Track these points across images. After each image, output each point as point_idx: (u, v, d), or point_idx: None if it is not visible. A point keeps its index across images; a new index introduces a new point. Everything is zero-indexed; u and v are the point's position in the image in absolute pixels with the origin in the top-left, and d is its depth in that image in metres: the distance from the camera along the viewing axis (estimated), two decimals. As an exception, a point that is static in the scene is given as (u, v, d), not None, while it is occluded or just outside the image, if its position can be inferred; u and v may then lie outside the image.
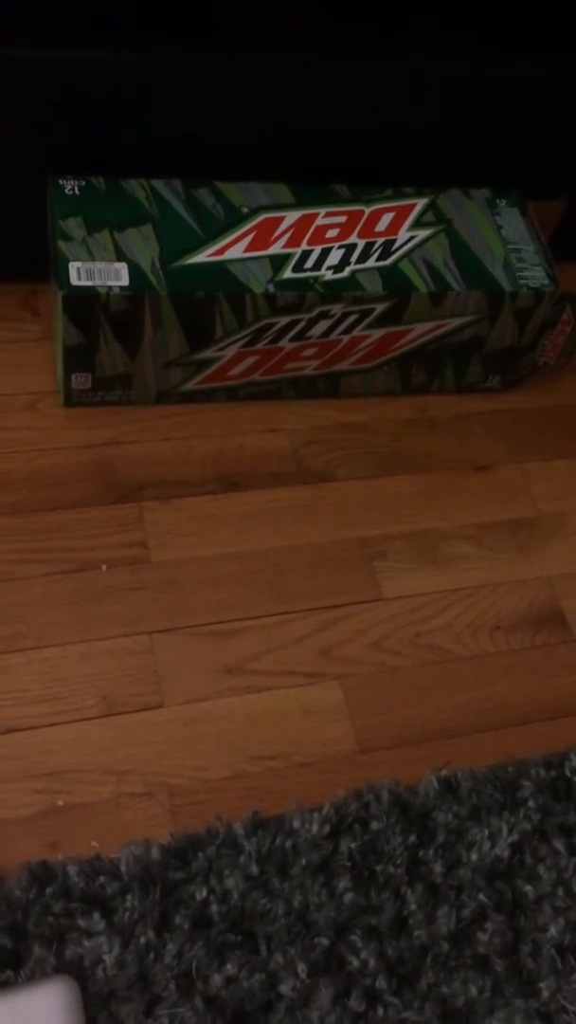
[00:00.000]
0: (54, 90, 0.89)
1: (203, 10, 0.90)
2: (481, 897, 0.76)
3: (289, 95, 0.95)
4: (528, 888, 0.77)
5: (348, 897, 0.74)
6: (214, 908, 0.72)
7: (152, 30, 0.90)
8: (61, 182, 0.94)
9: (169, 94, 0.92)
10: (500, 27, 0.96)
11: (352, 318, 0.96)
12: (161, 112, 0.93)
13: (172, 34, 0.90)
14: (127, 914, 0.71)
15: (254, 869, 0.74)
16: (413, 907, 0.75)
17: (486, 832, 0.79)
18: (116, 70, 0.90)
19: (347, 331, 0.97)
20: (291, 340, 0.96)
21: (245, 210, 0.96)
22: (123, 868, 0.72)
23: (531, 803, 0.81)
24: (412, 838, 0.78)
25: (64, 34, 0.87)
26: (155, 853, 0.73)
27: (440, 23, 0.95)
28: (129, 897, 0.71)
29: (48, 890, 0.70)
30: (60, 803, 0.77)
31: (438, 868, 0.77)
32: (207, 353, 0.96)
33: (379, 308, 0.95)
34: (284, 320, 0.94)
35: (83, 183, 0.94)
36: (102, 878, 0.72)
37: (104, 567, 0.89)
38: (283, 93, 0.95)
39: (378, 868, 0.76)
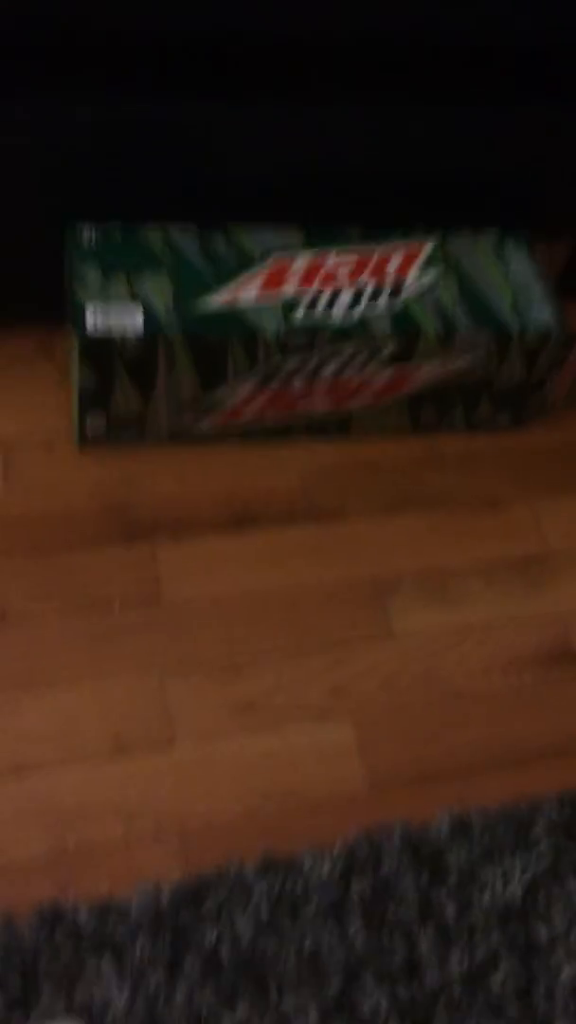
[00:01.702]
0: (72, 141, 0.92)
1: (216, 63, 0.92)
2: (494, 939, 0.75)
3: (300, 142, 0.97)
4: (542, 930, 0.77)
5: (360, 939, 0.74)
6: (224, 951, 0.72)
7: (167, 82, 0.92)
8: (79, 229, 0.96)
9: (183, 143, 0.94)
10: (507, 73, 0.98)
11: (362, 359, 0.97)
12: (175, 161, 0.95)
13: (187, 86, 0.92)
14: (137, 956, 0.70)
15: (265, 912, 0.74)
16: (425, 949, 0.74)
17: (499, 873, 0.79)
18: (132, 121, 0.92)
19: (357, 371, 0.98)
20: (302, 380, 0.98)
21: (257, 254, 0.98)
22: (133, 910, 0.72)
23: (544, 843, 0.81)
24: (424, 879, 0.77)
25: (82, 88, 0.90)
26: (165, 895, 0.73)
27: (448, 69, 0.97)
28: (139, 939, 0.71)
29: (58, 932, 0.71)
30: (71, 843, 0.77)
31: (450, 910, 0.76)
32: (219, 394, 0.97)
33: (389, 348, 0.97)
34: (295, 361, 0.96)
35: (100, 230, 0.96)
36: (113, 921, 0.72)
37: (117, 606, 0.89)
38: (294, 141, 0.97)
39: (390, 910, 0.76)
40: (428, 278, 1.00)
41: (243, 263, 0.97)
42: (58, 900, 0.72)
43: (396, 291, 0.98)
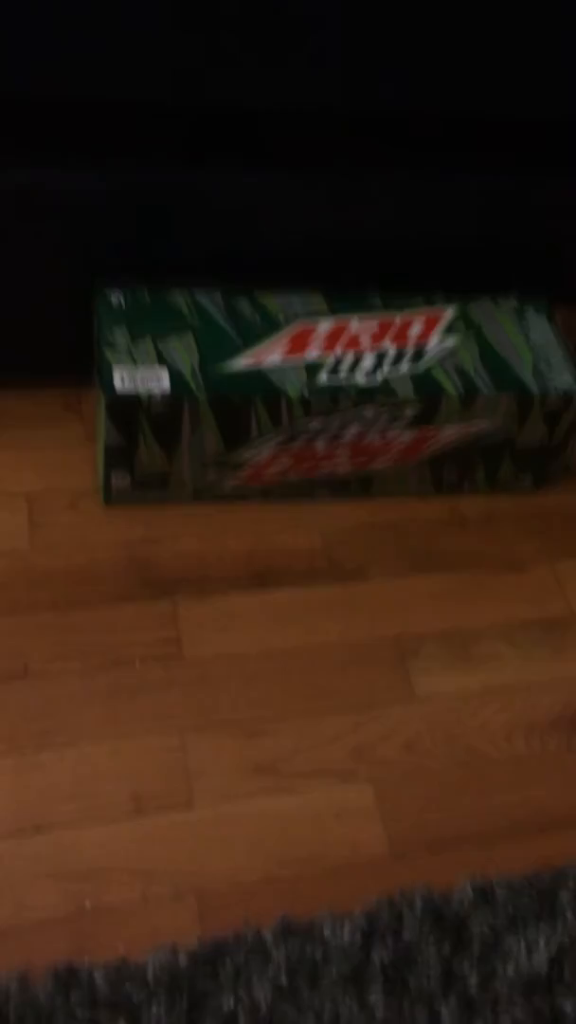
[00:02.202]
0: (103, 206, 0.95)
1: (245, 133, 0.96)
2: (518, 1013, 0.73)
3: (324, 210, 1.00)
4: (567, 1004, 0.74)
5: (380, 1010, 0.72)
6: (242, 1017, 0.70)
7: (196, 151, 0.96)
8: (108, 293, 0.98)
9: (210, 210, 0.97)
10: (527, 145, 1.01)
11: (384, 420, 0.98)
12: (203, 227, 0.98)
13: (215, 155, 0.96)
14: (153, 1021, 0.69)
15: (283, 978, 0.72)
16: (447, 1021, 0.72)
17: (523, 944, 0.77)
18: (161, 189, 0.95)
19: (379, 433, 0.99)
20: (325, 442, 0.99)
21: (282, 318, 1.00)
22: (150, 974, 0.71)
23: (569, 913, 0.79)
24: (446, 948, 0.76)
25: (114, 155, 0.93)
26: (182, 959, 0.72)
27: (470, 141, 1.00)
28: (155, 1005, 0.70)
29: (73, 995, 0.69)
30: (88, 904, 0.76)
31: (473, 981, 0.74)
32: (243, 454, 0.99)
33: (410, 411, 0.98)
34: (318, 423, 0.97)
35: (128, 294, 0.99)
36: (128, 984, 0.70)
37: (138, 663, 0.90)
38: (319, 209, 1.00)
39: (411, 979, 0.74)
40: (450, 342, 1.01)
41: (268, 326, 0.99)
42: (73, 961, 0.71)
43: (418, 355, 1.00)
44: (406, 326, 1.02)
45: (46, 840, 0.78)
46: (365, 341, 1.00)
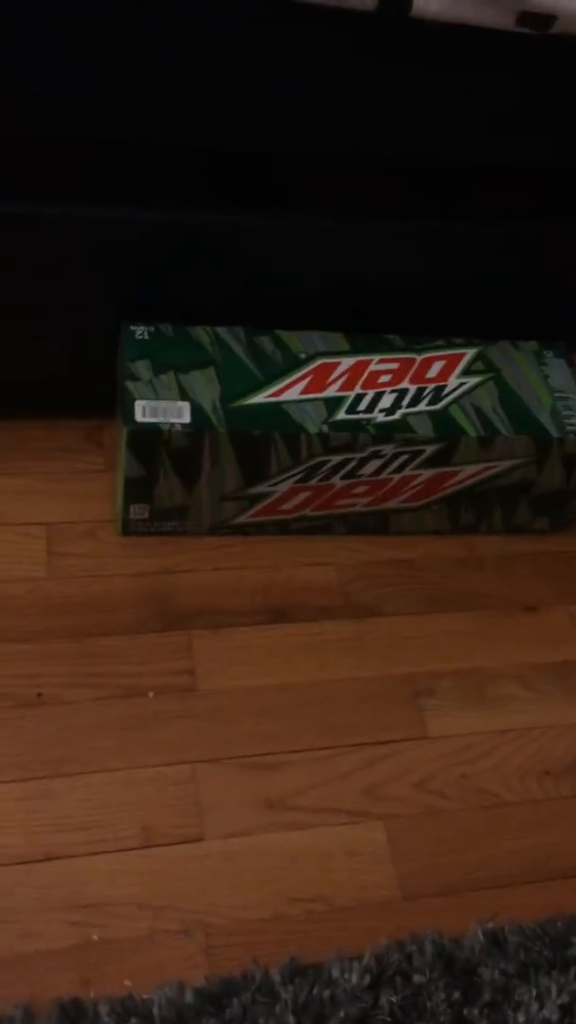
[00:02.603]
0: (128, 245, 0.97)
1: (269, 176, 0.98)
2: (529, 1064, 0.72)
3: (347, 254, 1.01)
4: (580, 1057, 0.73)
5: (388, 1056, 0.71)
6: (247, 1060, 0.69)
7: (222, 193, 0.98)
8: (132, 328, 1.00)
9: (234, 251, 0.99)
10: (545, 191, 1.03)
11: (402, 459, 0.99)
12: (227, 266, 1.00)
13: (240, 196, 0.98)
14: (157, 1061, 0.68)
15: (290, 1019, 0.71)
16: (457, 1071, 0.71)
17: (534, 992, 0.75)
18: (188, 228, 0.97)
19: (397, 471, 1.00)
20: (343, 478, 1.00)
21: (303, 356, 1.01)
22: (155, 1010, 0.70)
23: (582, 963, 0.77)
24: (456, 995, 0.74)
25: (140, 194, 0.95)
26: (189, 996, 0.71)
27: (490, 187, 1.02)
28: (160, 1042, 0.69)
29: (78, 1029, 0.68)
30: (95, 937, 0.75)
31: (484, 1029, 0.73)
32: (261, 488, 0.99)
33: (429, 450, 0.98)
34: (336, 459, 0.98)
35: (152, 329, 1.00)
36: (133, 1020, 0.69)
37: (151, 694, 0.89)
38: (341, 252, 1.01)
39: (420, 1026, 0.73)
40: (469, 384, 1.02)
41: (289, 363, 1.00)
42: (79, 996, 0.70)
43: (437, 395, 1.00)
44: (426, 366, 1.03)
45: (55, 869, 0.78)
46: (385, 380, 1.01)
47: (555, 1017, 0.74)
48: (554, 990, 0.75)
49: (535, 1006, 0.74)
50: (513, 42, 0.87)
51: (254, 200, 0.98)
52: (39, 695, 0.88)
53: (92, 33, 0.83)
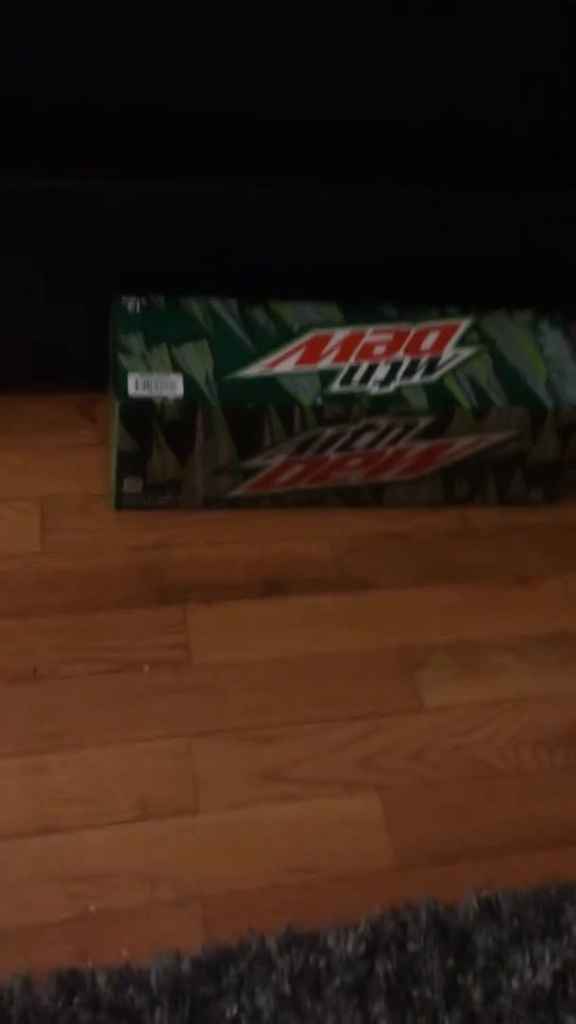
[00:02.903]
0: (120, 216, 0.95)
1: (263, 145, 0.96)
2: (522, 1029, 0.73)
3: (341, 223, 1.00)
4: (571, 1020, 0.74)
5: (383, 1022, 0.72)
6: (244, 1027, 0.70)
7: (214, 162, 0.96)
8: (124, 300, 0.99)
9: (227, 221, 0.98)
10: (541, 159, 1.02)
11: (397, 431, 0.98)
12: (219, 237, 0.99)
13: (233, 167, 0.96)
14: (155, 1029, 0.69)
15: (286, 987, 0.72)
16: (451, 1036, 0.72)
17: (528, 958, 0.76)
18: (177, 200, 0.96)
19: (392, 443, 0.99)
20: (337, 451, 0.99)
21: (296, 327, 1.00)
22: (153, 980, 0.71)
23: (575, 929, 0.78)
24: (451, 961, 0.75)
25: (132, 164, 0.94)
26: (186, 966, 0.72)
27: (485, 156, 1.00)
28: (158, 1011, 0.70)
29: (76, 999, 0.69)
30: (92, 908, 0.76)
31: (477, 995, 0.74)
32: (255, 461, 0.99)
33: (423, 422, 0.98)
34: (331, 431, 0.97)
35: (144, 301, 0.99)
36: (131, 989, 0.70)
37: (147, 668, 0.90)
38: (335, 222, 1.00)
39: (415, 992, 0.74)
40: (463, 354, 1.02)
41: (282, 336, 0.99)
42: (77, 966, 0.71)
43: (432, 366, 1.00)
44: (420, 337, 1.02)
45: (52, 843, 0.78)
46: (379, 351, 1.00)
47: (548, 983, 0.75)
48: (547, 956, 0.76)
49: (529, 972, 0.75)
50: (509, 5, 0.85)
51: (246, 170, 0.97)
52: (34, 670, 0.88)
53: (83, 2, 0.82)
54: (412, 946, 0.75)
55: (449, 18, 0.87)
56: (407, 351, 1.01)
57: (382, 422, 0.97)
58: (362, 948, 0.75)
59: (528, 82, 0.93)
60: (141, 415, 0.93)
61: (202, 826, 0.81)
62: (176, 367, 0.95)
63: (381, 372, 0.98)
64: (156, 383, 0.93)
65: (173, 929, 0.75)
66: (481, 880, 0.81)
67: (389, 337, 1.01)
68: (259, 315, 1.01)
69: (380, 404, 0.96)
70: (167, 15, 0.84)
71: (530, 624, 0.99)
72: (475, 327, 1.04)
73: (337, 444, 0.99)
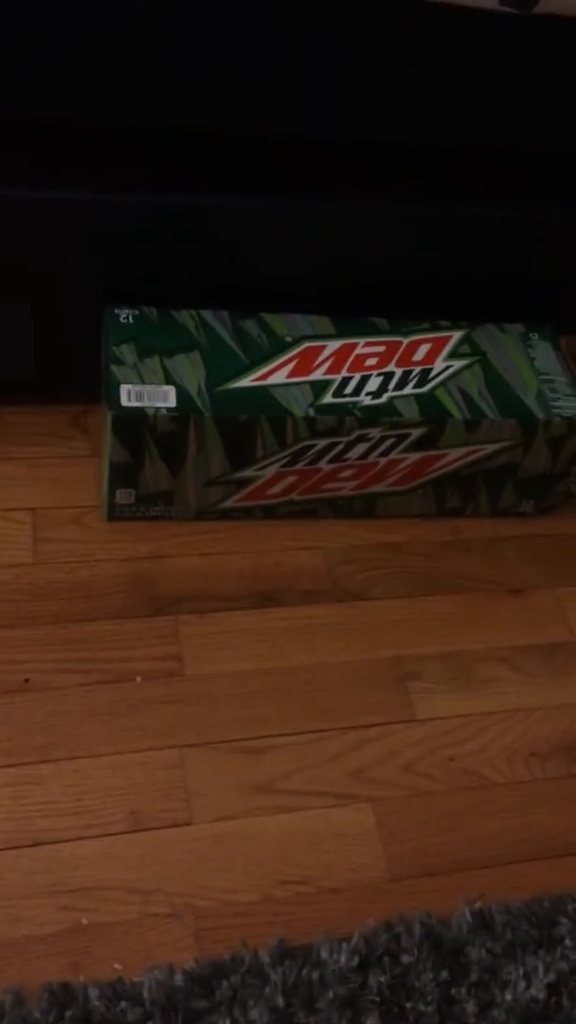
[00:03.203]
0: (113, 228, 0.96)
1: (254, 158, 0.97)
2: (516, 1042, 0.73)
3: (332, 237, 1.01)
4: (566, 1034, 0.74)
5: (377, 1035, 0.71)
6: (237, 1041, 0.70)
7: (207, 176, 0.97)
8: (116, 311, 0.99)
9: (220, 234, 0.98)
10: (532, 174, 1.02)
11: (389, 442, 0.99)
12: (212, 250, 0.99)
13: (226, 180, 0.97)
14: (147, 1043, 0.68)
15: (280, 1001, 0.72)
16: (445, 1049, 0.71)
17: (521, 971, 0.76)
18: (170, 212, 0.96)
19: (384, 454, 1.00)
20: (329, 462, 0.99)
21: (288, 339, 1.01)
22: (145, 993, 0.70)
23: (568, 941, 0.78)
24: (444, 974, 0.75)
25: (125, 176, 0.94)
26: (178, 979, 0.71)
27: (476, 171, 1.01)
28: (150, 1025, 0.69)
29: (68, 1013, 0.68)
30: (84, 921, 0.75)
31: (471, 1008, 0.74)
32: (247, 472, 0.99)
33: (415, 433, 0.98)
34: (323, 443, 0.97)
35: (137, 312, 1.00)
36: (123, 1003, 0.70)
37: (139, 679, 0.89)
38: (327, 236, 1.01)
39: (408, 1005, 0.73)
40: (455, 367, 1.02)
41: (274, 347, 1.00)
42: (69, 980, 0.70)
43: (423, 378, 1.00)
44: (412, 349, 1.03)
45: (43, 855, 0.78)
46: (371, 363, 1.00)
47: (542, 995, 0.75)
48: (540, 969, 0.76)
49: (522, 985, 0.75)
50: (499, 22, 0.86)
51: (239, 183, 0.97)
52: (26, 681, 0.88)
53: (76, 14, 0.82)
54: (405, 958, 0.75)
55: (444, 33, 0.88)
56: (399, 363, 1.01)
57: (374, 433, 0.98)
58: (355, 961, 0.74)
59: (520, 97, 0.94)
60: (133, 426, 0.93)
61: (194, 838, 0.81)
62: (168, 378, 0.95)
63: (373, 384, 0.99)
64: (148, 394, 0.94)
65: (165, 942, 0.75)
66: (474, 892, 0.81)
67: (381, 349, 1.02)
68: (251, 327, 1.01)
69: (372, 415, 0.97)
70: (162, 28, 0.84)
71: (522, 635, 1.00)
72: (467, 339, 1.05)
73: (329, 455, 0.99)
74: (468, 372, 1.02)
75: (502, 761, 0.90)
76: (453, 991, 0.74)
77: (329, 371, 0.99)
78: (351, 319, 1.04)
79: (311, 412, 0.95)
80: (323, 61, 0.88)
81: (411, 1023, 0.72)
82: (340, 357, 1.00)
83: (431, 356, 1.03)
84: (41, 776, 0.82)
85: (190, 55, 0.86)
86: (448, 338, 1.05)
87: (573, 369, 1.05)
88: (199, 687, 0.90)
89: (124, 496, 0.99)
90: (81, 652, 0.90)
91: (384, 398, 0.98)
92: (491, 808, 0.87)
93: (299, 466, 0.99)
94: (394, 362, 1.01)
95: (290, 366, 0.98)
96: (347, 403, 0.97)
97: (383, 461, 1.00)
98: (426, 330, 1.05)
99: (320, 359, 1.00)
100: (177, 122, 0.91)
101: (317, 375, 0.98)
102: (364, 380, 0.99)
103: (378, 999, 0.73)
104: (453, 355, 1.03)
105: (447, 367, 1.02)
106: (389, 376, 1.00)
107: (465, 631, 0.99)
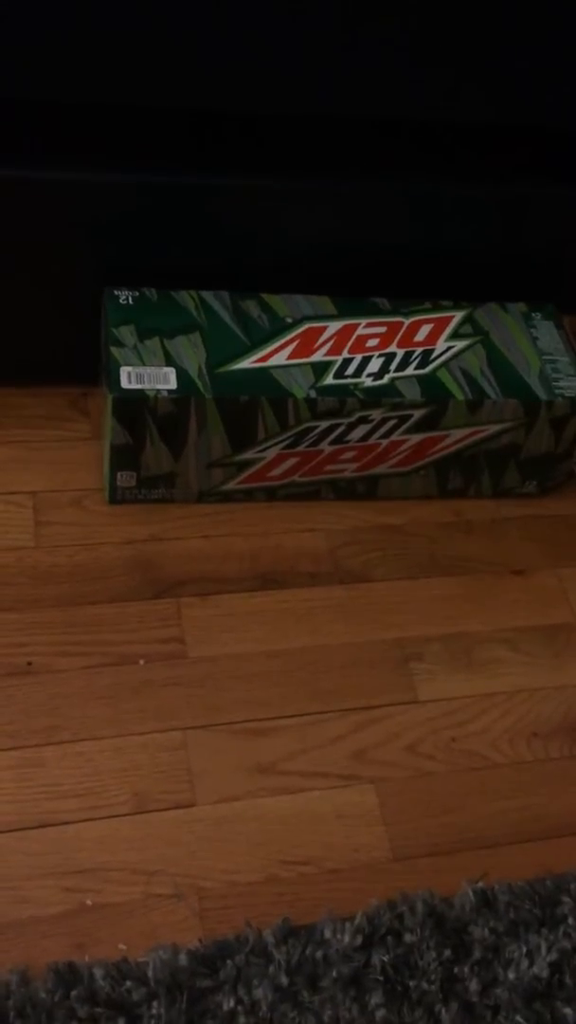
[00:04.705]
0: (112, 208, 0.95)
1: (254, 138, 0.96)
2: (518, 1019, 0.73)
3: (334, 216, 1.00)
4: (567, 1011, 0.74)
5: (380, 1013, 0.72)
6: (242, 1020, 0.70)
7: (205, 155, 0.96)
8: (116, 292, 0.98)
9: (220, 214, 0.97)
10: (535, 153, 1.01)
11: (391, 423, 0.98)
12: (211, 230, 0.98)
13: (225, 159, 0.96)
14: (153, 1022, 0.69)
15: (284, 980, 0.72)
16: (448, 1027, 0.72)
17: (524, 949, 0.76)
18: (169, 192, 0.95)
19: (385, 436, 0.99)
20: (331, 443, 0.99)
21: (289, 320, 1.00)
22: (150, 973, 0.71)
23: (571, 920, 0.78)
24: (447, 953, 0.75)
25: (123, 156, 0.93)
26: (183, 959, 0.72)
27: (477, 149, 1.00)
28: (155, 1004, 0.69)
29: (74, 993, 0.69)
30: (89, 902, 0.76)
31: (474, 986, 0.74)
32: (249, 454, 0.99)
33: (417, 414, 0.98)
34: (324, 424, 0.97)
35: (136, 293, 0.99)
36: (128, 983, 0.70)
37: (142, 662, 0.89)
38: (328, 215, 1.00)
39: (411, 984, 0.74)
40: (457, 347, 1.01)
41: (275, 328, 0.99)
42: (74, 961, 0.71)
43: (425, 359, 1.00)
44: (414, 329, 1.02)
45: (48, 836, 0.78)
46: (372, 344, 1.00)
47: (544, 974, 0.75)
48: (543, 947, 0.76)
49: (525, 963, 0.76)
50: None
51: (239, 162, 0.96)
52: (29, 664, 0.88)
53: (70, -12, 0.81)
54: (409, 938, 0.76)
55: (442, 11, 0.87)
56: (400, 343, 1.01)
57: (376, 414, 0.97)
58: (359, 940, 0.75)
59: (520, 76, 0.93)
60: (134, 408, 0.93)
61: (197, 819, 0.81)
62: (169, 360, 0.94)
63: (375, 364, 0.98)
64: (149, 376, 0.93)
65: (170, 922, 0.75)
66: (477, 872, 0.81)
67: (383, 329, 1.01)
68: (252, 307, 1.00)
69: (374, 396, 0.96)
70: (159, 6, 0.83)
71: (524, 616, 1.00)
72: (468, 319, 1.04)
73: (331, 437, 0.98)
74: (470, 352, 1.01)
75: (504, 742, 0.90)
76: (456, 970, 0.75)
77: (330, 352, 0.98)
78: (352, 299, 1.03)
79: (312, 393, 0.95)
80: (322, 37, 0.87)
81: (414, 1001, 0.73)
82: (341, 338, 1.00)
83: (433, 336, 1.02)
84: (44, 759, 0.82)
85: (187, 34, 0.85)
86: (450, 318, 1.04)
87: (576, 349, 1.05)
88: (201, 669, 0.90)
89: (125, 479, 0.99)
90: (83, 635, 0.90)
91: (386, 379, 0.97)
92: (493, 788, 0.87)
93: (301, 448, 0.99)
94: (396, 342, 1.01)
95: (291, 347, 0.98)
96: (348, 384, 0.96)
97: (385, 442, 1.00)
98: (428, 310, 1.04)
99: (321, 340, 0.99)
100: (175, 102, 0.90)
101: (318, 356, 0.98)
102: (366, 361, 0.98)
103: (381, 978, 0.73)
104: (455, 335, 1.02)
105: (449, 347, 1.01)
106: (391, 357, 0.99)
107: (467, 612, 0.99)
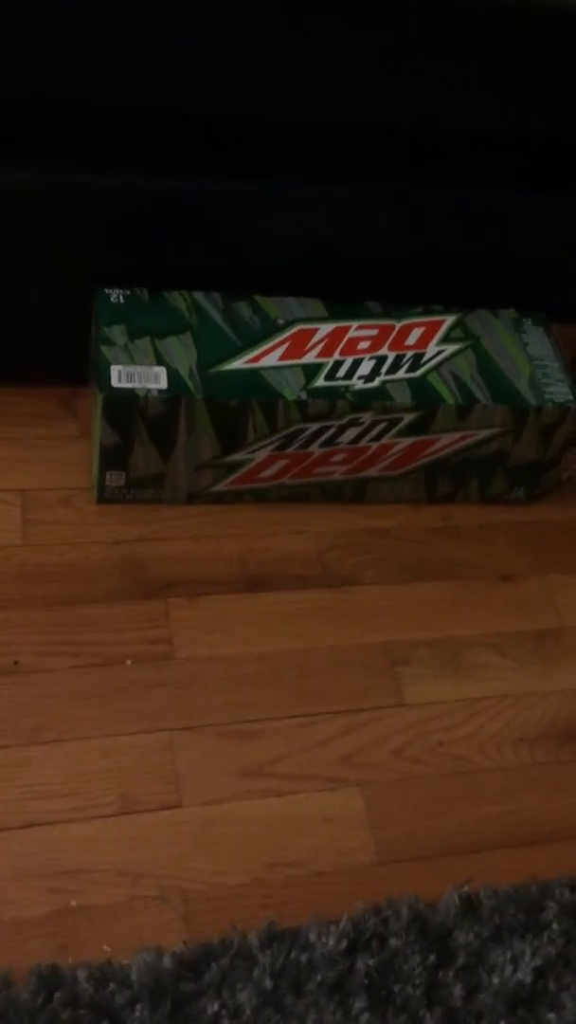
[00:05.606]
0: (104, 211, 0.95)
1: (247, 142, 0.96)
2: (503, 1024, 0.73)
3: (326, 221, 1.00)
4: (551, 1017, 0.74)
5: (364, 1018, 0.72)
6: (225, 1023, 0.70)
7: (199, 158, 0.96)
8: (107, 292, 0.98)
9: (212, 217, 0.97)
10: (525, 160, 1.02)
11: (381, 427, 0.98)
12: (203, 232, 0.98)
13: (218, 162, 0.96)
14: (136, 1025, 0.68)
15: (268, 983, 0.72)
16: (432, 1032, 0.72)
17: (508, 955, 0.76)
18: (162, 194, 0.95)
19: (375, 439, 0.99)
20: (321, 446, 0.99)
21: (280, 322, 1.00)
22: (134, 976, 0.70)
23: (555, 926, 0.78)
24: (432, 958, 0.75)
25: (116, 157, 0.93)
26: (167, 962, 0.71)
27: (470, 156, 1.01)
28: (139, 1008, 0.69)
29: (57, 996, 0.68)
30: (73, 904, 0.75)
31: (458, 992, 0.74)
32: (238, 456, 0.98)
33: (407, 418, 0.98)
34: (314, 426, 0.97)
35: (127, 293, 0.99)
36: (112, 986, 0.69)
37: (129, 662, 0.89)
38: (320, 220, 1.00)
39: (396, 988, 0.73)
40: (448, 351, 1.02)
41: (267, 330, 0.99)
42: (57, 963, 0.70)
43: (416, 363, 1.00)
44: (405, 333, 1.02)
45: (33, 837, 0.77)
46: (364, 346, 1.00)
47: (528, 980, 0.75)
48: (528, 953, 0.76)
49: (509, 969, 0.75)
50: (488, 8, 0.85)
51: (232, 166, 0.96)
52: (15, 663, 0.87)
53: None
54: (393, 942, 0.75)
55: (436, 20, 0.87)
56: (392, 347, 1.01)
57: (366, 418, 0.97)
58: (343, 944, 0.74)
59: (513, 84, 0.94)
60: (124, 407, 0.92)
61: (183, 821, 0.81)
62: (160, 360, 0.94)
63: (365, 367, 0.98)
64: (139, 375, 0.93)
65: (154, 924, 0.75)
66: (462, 877, 0.81)
67: (374, 332, 1.01)
68: (243, 309, 1.00)
69: (364, 399, 0.96)
70: (154, 9, 0.83)
71: (512, 622, 1.00)
72: (459, 324, 1.04)
73: (321, 439, 0.98)
74: (461, 357, 1.01)
75: (491, 746, 0.90)
76: (440, 975, 0.75)
77: (321, 354, 0.98)
78: (344, 302, 1.03)
79: (303, 395, 0.95)
80: (316, 44, 0.87)
81: (398, 1007, 0.73)
82: (332, 340, 1.00)
83: (424, 340, 1.02)
84: (30, 759, 0.82)
85: (180, 37, 0.85)
86: (441, 322, 1.04)
87: (565, 355, 1.05)
88: (189, 671, 0.90)
89: (114, 478, 0.98)
90: (71, 635, 0.90)
91: (376, 382, 0.97)
92: (480, 793, 0.87)
93: (290, 450, 0.99)
94: (387, 346, 1.01)
95: (282, 349, 0.98)
96: (339, 387, 0.96)
97: (375, 446, 1.00)
98: (419, 314, 1.04)
99: (312, 342, 0.99)
100: (168, 104, 0.90)
101: (309, 358, 0.98)
102: (356, 364, 0.98)
103: (366, 982, 0.73)
104: (446, 339, 1.03)
105: (440, 352, 1.01)
106: (382, 360, 0.99)
107: (455, 617, 0.99)
